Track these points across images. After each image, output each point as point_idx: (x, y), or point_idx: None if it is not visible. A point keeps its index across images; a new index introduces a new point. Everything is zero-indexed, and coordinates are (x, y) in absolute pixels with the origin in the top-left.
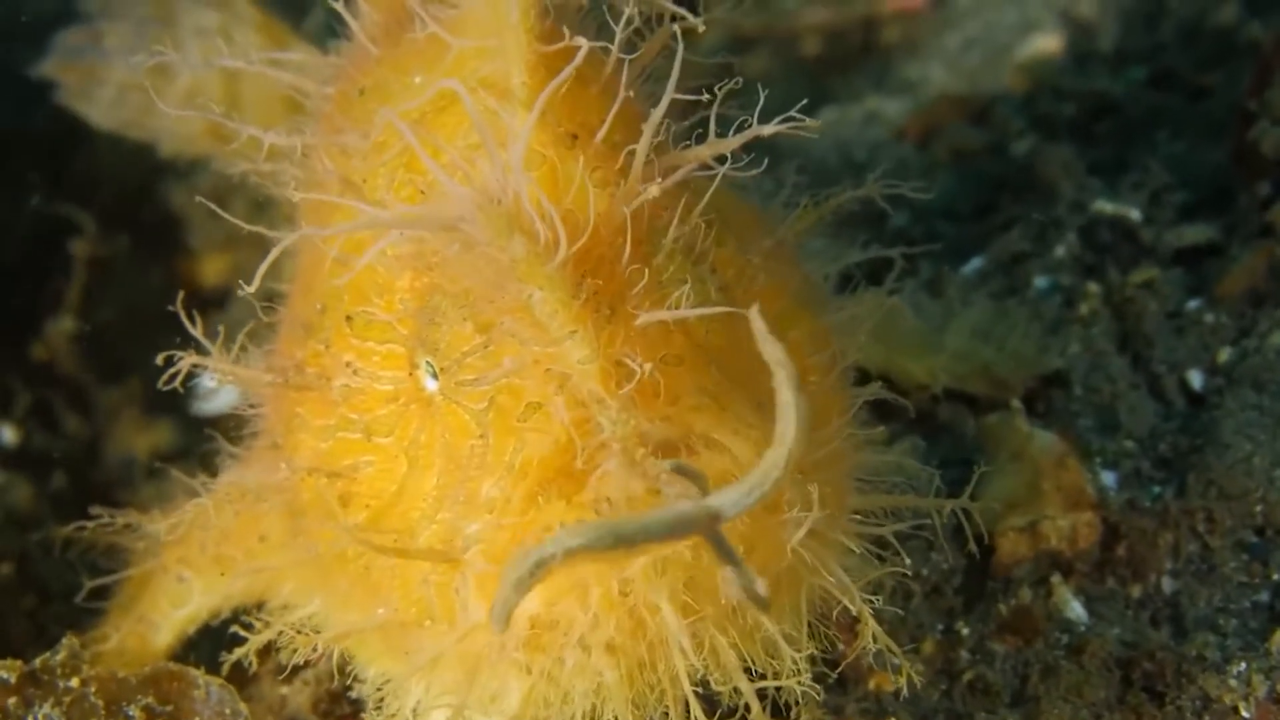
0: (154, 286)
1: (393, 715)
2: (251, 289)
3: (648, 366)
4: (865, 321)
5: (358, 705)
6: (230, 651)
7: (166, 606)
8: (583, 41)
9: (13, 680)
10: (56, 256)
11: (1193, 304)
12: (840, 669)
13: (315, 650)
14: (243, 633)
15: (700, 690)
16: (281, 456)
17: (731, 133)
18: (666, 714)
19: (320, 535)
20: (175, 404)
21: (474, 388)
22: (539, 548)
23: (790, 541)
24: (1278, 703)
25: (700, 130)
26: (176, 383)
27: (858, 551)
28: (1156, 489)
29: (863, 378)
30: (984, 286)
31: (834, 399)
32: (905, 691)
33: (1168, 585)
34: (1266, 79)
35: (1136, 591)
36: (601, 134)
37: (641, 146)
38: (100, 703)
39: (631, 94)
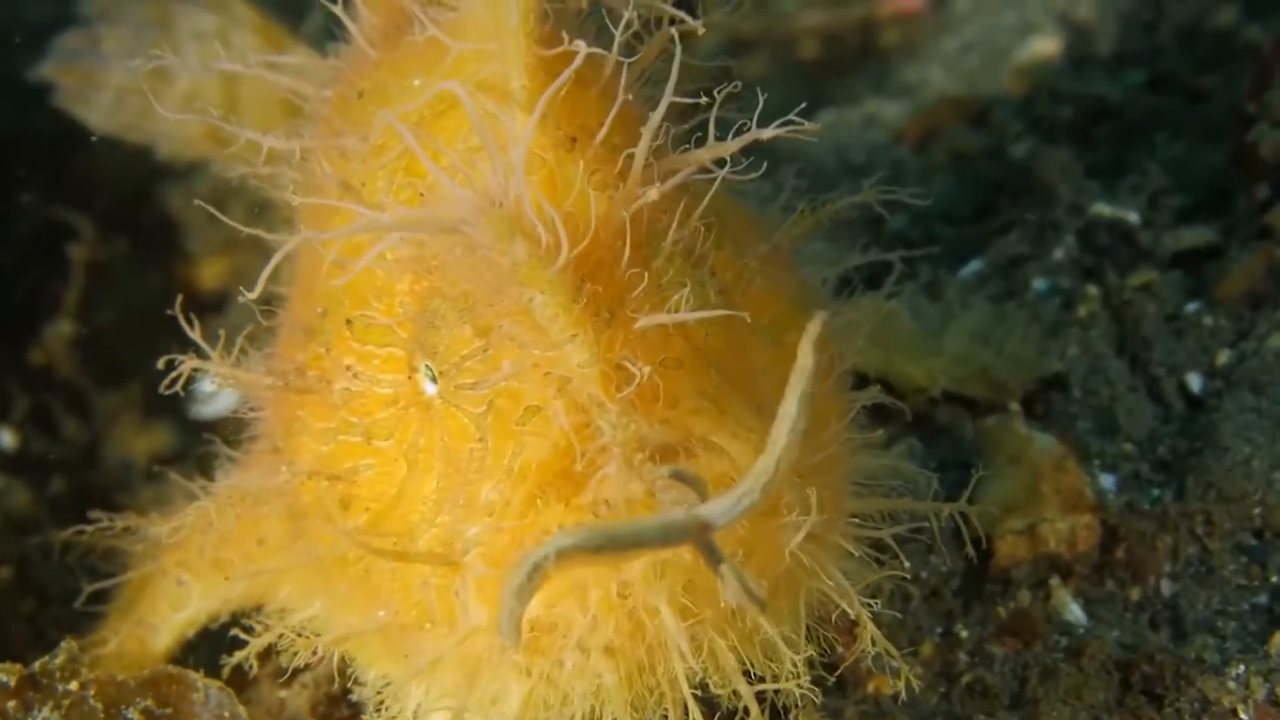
0: (152, 290)
1: (393, 718)
2: (254, 295)
3: (647, 370)
4: (863, 325)
5: (357, 708)
6: (230, 654)
7: (165, 610)
8: (582, 45)
9: (12, 683)
10: (55, 260)
11: (1191, 306)
12: (839, 672)
13: (315, 653)
14: (243, 635)
15: (699, 693)
16: (282, 459)
17: (730, 136)
18: (665, 716)
19: (321, 538)
20: (174, 407)
21: (473, 391)
22: (532, 553)
23: (789, 545)
24: (1276, 705)
25: (699, 133)
26: (178, 386)
27: (856, 555)
28: (1155, 492)
29: (861, 381)
30: (982, 289)
31: (832, 402)
32: (904, 694)
33: (1167, 588)
34: (1265, 81)
35: (1135, 594)
36: (600, 137)
37: (640, 150)
38: (99, 706)
39: (630, 97)
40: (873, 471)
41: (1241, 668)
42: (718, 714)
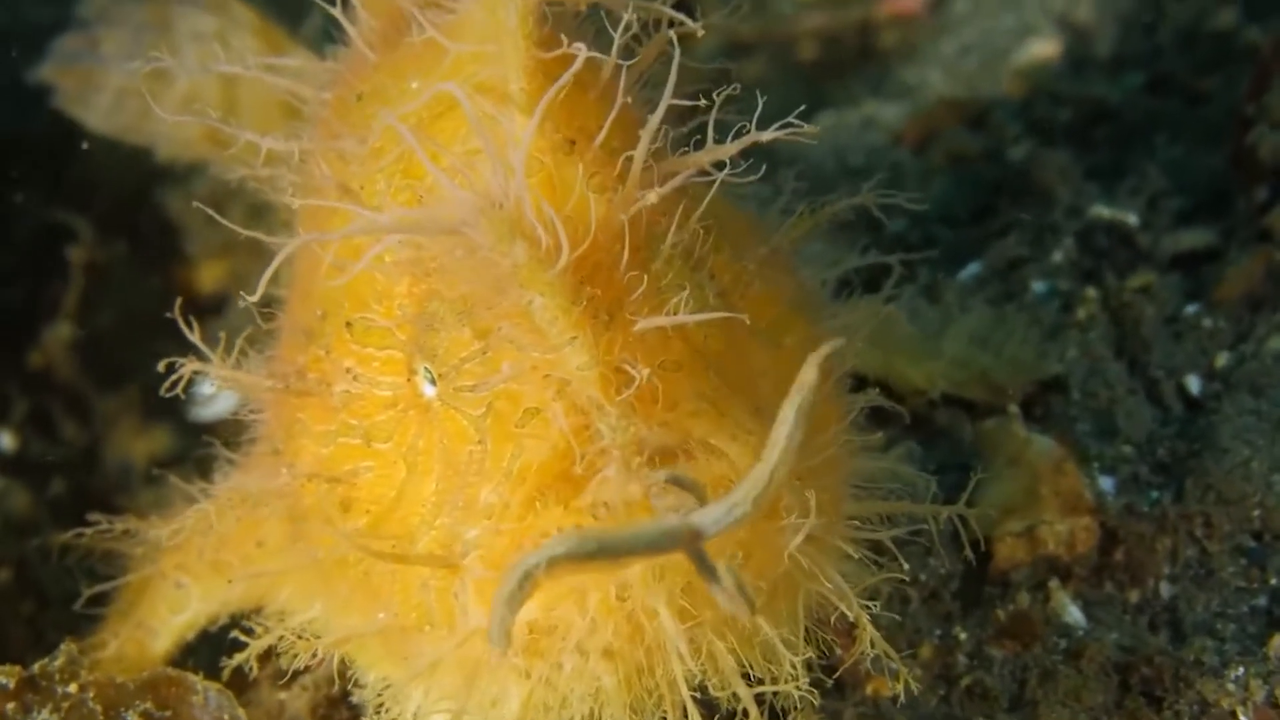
0: (151, 292)
1: None
2: (254, 298)
3: (646, 372)
4: (861, 328)
5: (356, 711)
6: (229, 656)
7: (165, 613)
8: (581, 48)
9: (11, 685)
10: (54, 262)
11: (1190, 309)
12: (838, 674)
13: (316, 655)
14: (243, 638)
15: (698, 695)
16: (283, 462)
17: (729, 138)
18: (665, 718)
19: (321, 540)
20: (173, 410)
21: (472, 393)
22: (523, 561)
23: (788, 547)
24: (1276, 707)
25: (698, 136)
26: (179, 389)
27: (855, 557)
28: (1154, 494)
29: (860, 383)
30: (981, 292)
31: (830, 405)
32: (903, 696)
33: (1166, 590)
34: (1264, 83)
35: (1134, 596)
36: (599, 140)
37: (639, 152)
38: (99, 708)
39: (629, 99)
40: (871, 474)
41: (1241, 670)
42: (717, 716)
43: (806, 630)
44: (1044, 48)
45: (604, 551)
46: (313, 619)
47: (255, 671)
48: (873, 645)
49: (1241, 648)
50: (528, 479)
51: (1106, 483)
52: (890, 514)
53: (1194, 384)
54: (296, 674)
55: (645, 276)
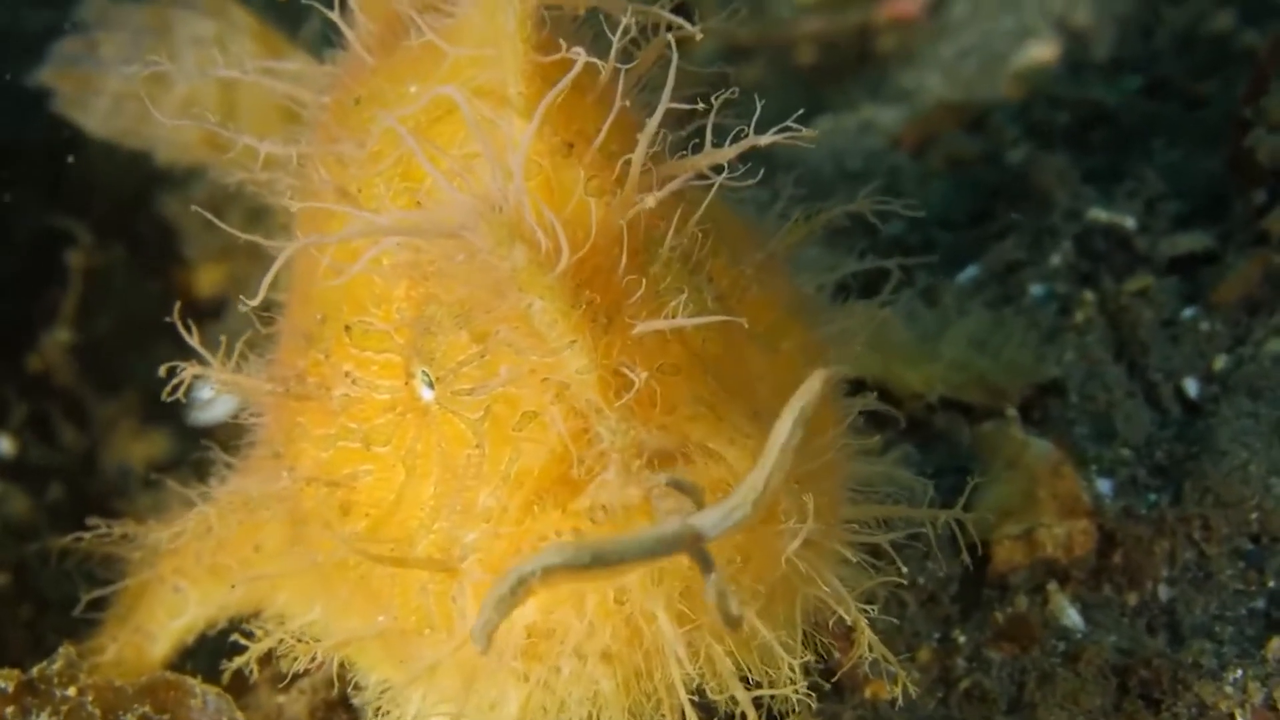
0: (150, 297)
1: None
2: (255, 303)
3: (644, 375)
4: (858, 333)
5: (355, 714)
6: (229, 659)
7: (163, 617)
8: (580, 51)
9: (10, 689)
10: (52, 267)
11: (1188, 312)
12: (836, 677)
13: (315, 658)
14: (243, 641)
15: (696, 698)
16: (283, 465)
17: (728, 142)
18: None
19: (321, 543)
20: (171, 414)
21: (470, 397)
22: (519, 567)
23: (785, 551)
24: (1274, 710)
25: (696, 140)
26: (180, 394)
27: (853, 561)
28: (1152, 496)
29: (858, 386)
30: (979, 295)
31: (827, 409)
32: (901, 699)
33: (1164, 593)
34: (1262, 86)
35: (1133, 599)
36: (598, 143)
37: (637, 156)
38: (97, 711)
39: (627, 103)
40: (868, 478)
41: (1239, 672)
42: (715, 719)
43: (804, 634)
44: (1042, 51)
45: (599, 561)
46: (312, 622)
47: (256, 674)
48: (871, 649)
49: (1240, 650)
50: (526, 483)
51: (1104, 485)
52: (888, 517)
53: (1192, 387)
54: (295, 677)
55: (643, 280)
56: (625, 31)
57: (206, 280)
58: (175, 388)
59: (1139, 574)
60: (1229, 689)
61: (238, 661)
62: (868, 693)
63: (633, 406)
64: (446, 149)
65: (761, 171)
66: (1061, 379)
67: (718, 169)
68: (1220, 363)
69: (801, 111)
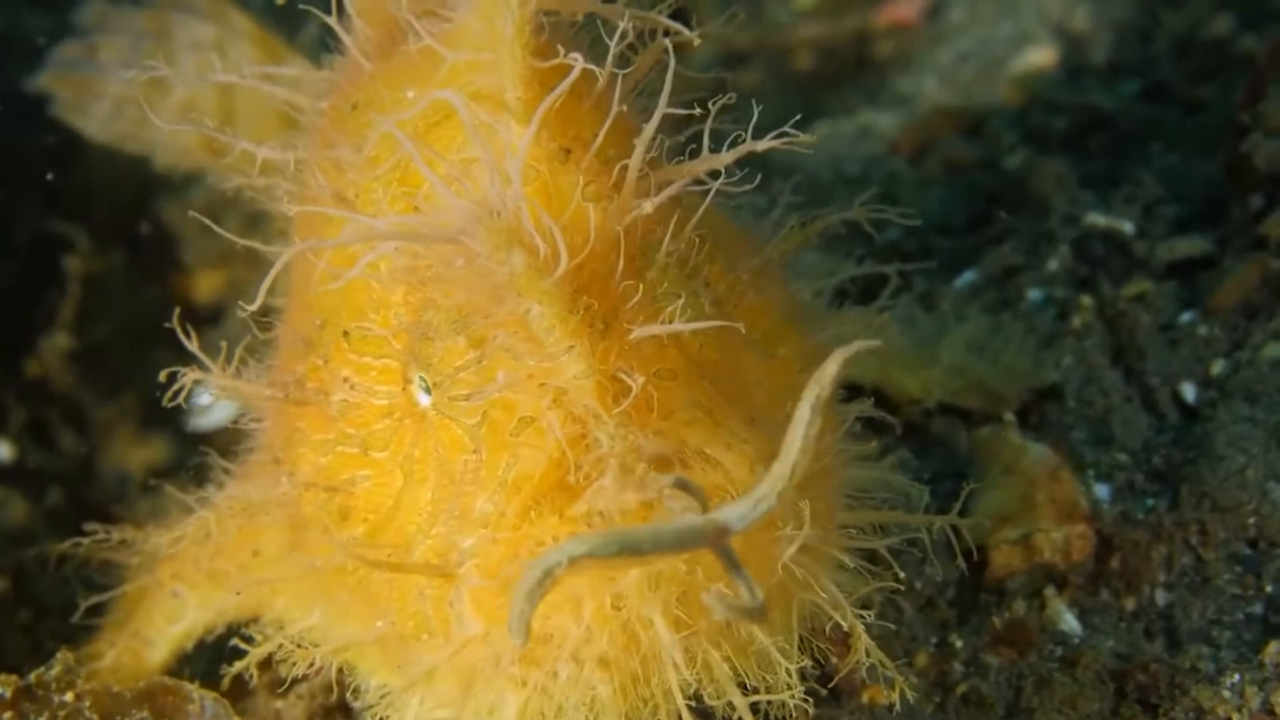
0: (148, 302)
1: None
2: (253, 308)
3: (641, 381)
4: (855, 339)
5: (354, 719)
6: (228, 665)
7: (161, 622)
8: (577, 57)
9: (8, 695)
10: (51, 272)
11: (1186, 317)
12: (834, 683)
13: (314, 664)
14: (242, 646)
15: (693, 704)
16: (282, 471)
17: (725, 148)
18: None
19: (320, 549)
20: (170, 420)
21: (467, 402)
22: (547, 556)
23: (782, 557)
24: (1271, 714)
25: (694, 145)
26: (179, 399)
27: (850, 566)
28: (1150, 501)
29: (856, 392)
30: (977, 300)
31: (825, 414)
32: (899, 705)
33: (1161, 597)
34: (1260, 91)
35: (1130, 604)
36: (595, 148)
37: (635, 161)
38: (95, 717)
39: (625, 108)
40: (865, 483)
41: (1236, 677)
42: None
43: (801, 639)
44: (1040, 56)
45: (628, 549)
46: (311, 627)
47: (254, 680)
48: (868, 654)
49: (1237, 655)
50: (523, 488)
51: (1102, 490)
52: (885, 523)
53: (1189, 392)
54: (294, 682)
55: (641, 285)
56: (623, 36)
57: (205, 285)
58: (174, 393)
59: (1136, 579)
60: (1226, 694)
61: (237, 666)
62: (865, 698)
63: (630, 412)
64: (444, 154)
65: (759, 177)
66: (1059, 384)
67: (715, 174)
68: (1218, 367)
69: (799, 117)
